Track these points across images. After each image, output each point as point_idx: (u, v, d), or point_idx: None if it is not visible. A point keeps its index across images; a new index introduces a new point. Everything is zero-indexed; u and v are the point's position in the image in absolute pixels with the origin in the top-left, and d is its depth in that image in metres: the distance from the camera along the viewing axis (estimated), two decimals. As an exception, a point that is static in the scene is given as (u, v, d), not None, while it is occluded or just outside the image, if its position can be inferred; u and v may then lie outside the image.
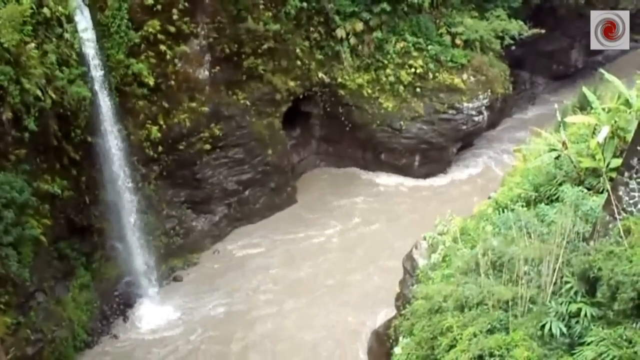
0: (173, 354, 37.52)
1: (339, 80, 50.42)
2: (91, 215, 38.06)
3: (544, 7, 58.45)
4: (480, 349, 14.28)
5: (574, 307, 13.71)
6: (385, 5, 48.26)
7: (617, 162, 17.87)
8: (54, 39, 33.49)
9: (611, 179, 16.21)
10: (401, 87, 50.36)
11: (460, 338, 15.09)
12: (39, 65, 31.71)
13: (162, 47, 39.99)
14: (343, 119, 51.59)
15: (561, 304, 13.96)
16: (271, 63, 46.41)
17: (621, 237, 13.67)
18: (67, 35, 34.17)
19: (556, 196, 19.25)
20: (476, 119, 51.90)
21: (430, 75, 50.45)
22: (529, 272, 15.34)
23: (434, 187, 52.05)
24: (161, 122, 41.19)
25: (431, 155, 52.48)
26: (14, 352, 29.76)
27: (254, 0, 43.77)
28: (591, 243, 14.59)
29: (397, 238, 42.65)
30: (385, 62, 50.36)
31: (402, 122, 50.60)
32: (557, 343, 13.82)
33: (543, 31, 54.01)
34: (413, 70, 50.06)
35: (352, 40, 49.78)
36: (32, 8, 31.16)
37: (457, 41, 50.84)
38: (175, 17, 39.92)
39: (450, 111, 50.96)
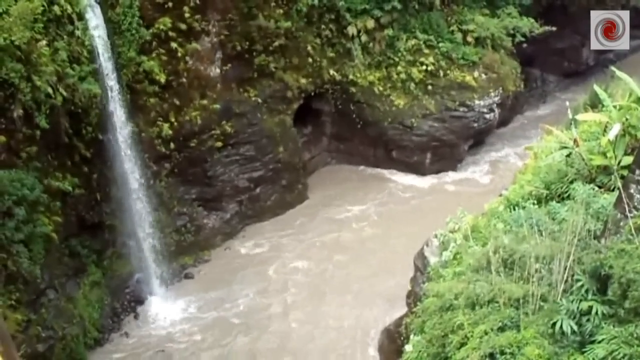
0: (183, 351, 37.59)
1: (350, 77, 50.32)
2: (102, 213, 38.16)
3: (555, 5, 58.19)
4: (491, 346, 14.26)
5: (585, 305, 13.65)
6: (396, 2, 48.11)
7: (628, 159, 17.79)
8: (65, 37, 33.54)
9: (622, 177, 16.11)
10: (412, 85, 50.26)
11: (472, 336, 15.06)
12: (50, 63, 31.75)
13: (173, 45, 40.08)
14: (354, 116, 51.47)
15: (572, 302, 13.90)
16: (282, 60, 46.37)
17: (632, 235, 13.59)
18: (78, 33, 34.26)
19: (567, 194, 19.15)
20: (487, 116, 51.78)
21: (442, 73, 50.34)
22: (540, 269, 15.27)
23: (445, 185, 51.86)
24: (172, 120, 41.30)
25: (442, 153, 52.35)
26: (25, 349, 29.83)
27: (265, -2, 43.85)
28: (602, 241, 14.52)
29: (408, 235, 42.49)
30: (397, 59, 50.26)
31: (413, 120, 50.52)
32: (568, 341, 13.78)
33: (554, 29, 53.61)
34: (424, 67, 49.98)
35: (364, 38, 49.65)
36: (43, 6, 31.07)
37: (469, 38, 50.71)
38: (186, 14, 40.01)
39: (462, 109, 50.85)
